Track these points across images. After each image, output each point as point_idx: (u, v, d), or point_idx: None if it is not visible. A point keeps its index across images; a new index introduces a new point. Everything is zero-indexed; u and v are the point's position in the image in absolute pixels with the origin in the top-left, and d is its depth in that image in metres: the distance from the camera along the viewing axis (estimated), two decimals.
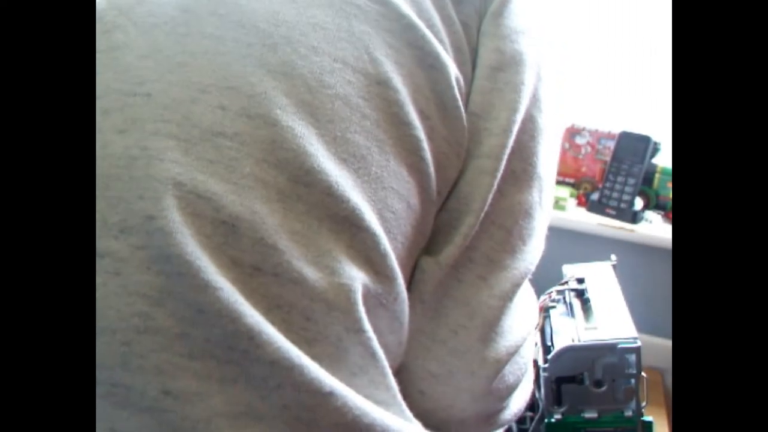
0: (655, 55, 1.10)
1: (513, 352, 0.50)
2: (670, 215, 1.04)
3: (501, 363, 0.49)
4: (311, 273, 0.43)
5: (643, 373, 0.68)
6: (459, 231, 0.49)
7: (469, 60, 0.54)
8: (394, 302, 0.46)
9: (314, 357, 0.41)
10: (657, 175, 1.08)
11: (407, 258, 0.49)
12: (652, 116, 1.07)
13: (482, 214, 0.49)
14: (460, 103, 0.50)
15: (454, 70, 0.51)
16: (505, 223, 0.51)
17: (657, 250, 1.02)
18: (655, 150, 1.07)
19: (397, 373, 0.48)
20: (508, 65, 0.53)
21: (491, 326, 0.49)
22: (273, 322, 0.41)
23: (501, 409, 0.53)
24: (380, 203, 0.46)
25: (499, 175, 0.50)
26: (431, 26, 0.53)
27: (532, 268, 0.53)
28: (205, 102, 0.45)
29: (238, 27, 0.49)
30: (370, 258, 0.45)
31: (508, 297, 0.50)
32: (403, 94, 0.49)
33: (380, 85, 0.49)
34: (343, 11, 0.52)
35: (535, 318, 0.57)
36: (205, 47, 0.48)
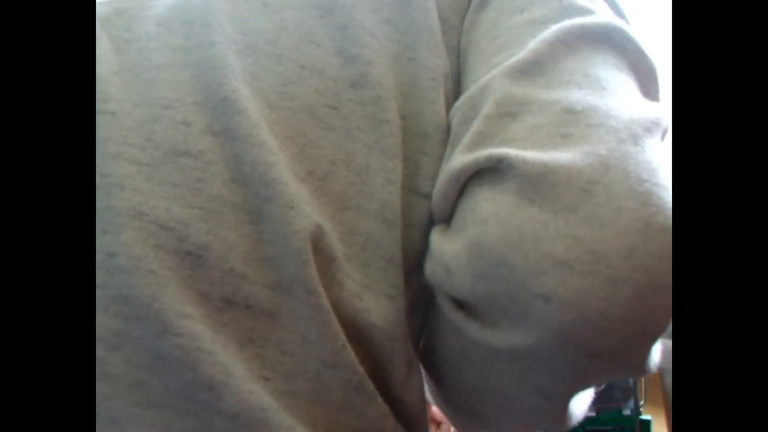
0: (655, 54, 1.09)
1: None
2: None
3: None
4: (285, 303, 0.40)
5: None
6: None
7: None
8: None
9: (292, 394, 0.39)
10: None
11: (396, 272, 0.44)
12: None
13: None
14: (440, 99, 0.47)
15: (437, 63, 0.48)
16: None
17: None
18: None
19: None
20: None
21: None
22: (246, 359, 0.38)
23: None
24: (342, 225, 0.43)
25: None
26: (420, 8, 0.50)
27: None
28: (168, 118, 0.42)
29: (204, 29, 0.46)
30: (332, 284, 0.41)
31: None
32: (382, 86, 0.46)
33: (354, 87, 0.46)
34: (318, 8, 0.49)
35: None
36: (172, 60, 0.45)
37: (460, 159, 0.41)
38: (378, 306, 0.42)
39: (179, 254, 0.39)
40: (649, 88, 0.45)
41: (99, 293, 0.38)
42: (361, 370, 0.41)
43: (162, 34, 0.47)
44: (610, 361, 0.37)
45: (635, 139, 0.38)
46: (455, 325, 0.42)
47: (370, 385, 0.41)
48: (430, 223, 0.45)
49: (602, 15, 0.46)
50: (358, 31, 0.47)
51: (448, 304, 0.42)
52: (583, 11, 0.46)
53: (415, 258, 0.46)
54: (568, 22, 0.44)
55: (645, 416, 0.83)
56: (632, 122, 0.39)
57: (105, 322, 0.38)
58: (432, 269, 0.43)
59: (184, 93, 0.44)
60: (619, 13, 0.51)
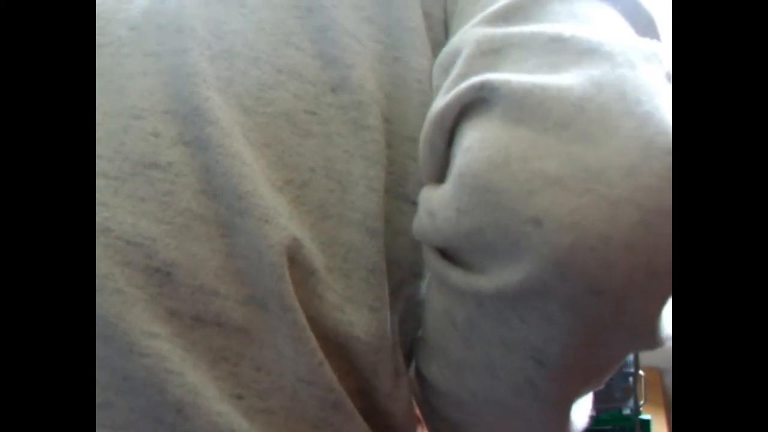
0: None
1: None
2: None
3: None
4: (259, 318, 0.39)
5: (640, 372, 0.68)
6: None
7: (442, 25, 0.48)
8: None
9: (268, 411, 0.38)
10: None
11: (379, 283, 0.42)
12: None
13: None
14: (430, 101, 0.43)
15: (423, 65, 0.45)
16: None
17: None
18: None
19: None
20: None
21: None
22: (218, 378, 0.37)
23: None
24: (322, 235, 0.41)
25: None
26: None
27: None
28: (138, 129, 0.41)
29: (176, 34, 0.44)
30: (312, 298, 0.40)
31: None
32: (363, 90, 0.44)
33: (334, 91, 0.44)
34: (296, 8, 0.47)
35: None
36: (144, 67, 0.44)
37: (440, 100, 0.38)
38: (360, 318, 0.41)
39: (147, 271, 0.38)
40: (646, 36, 0.41)
41: None
42: (339, 387, 0.39)
43: (135, 39, 0.45)
44: (616, 303, 0.32)
45: (632, 64, 0.35)
46: (439, 277, 0.39)
47: (348, 404, 0.40)
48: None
49: None
50: (339, 32, 0.45)
51: (432, 254, 0.39)
52: None
53: (406, 267, 0.44)
54: None
55: (645, 416, 0.83)
56: (628, 48, 0.36)
57: None
58: (417, 220, 0.40)
59: (155, 102, 0.42)
60: None
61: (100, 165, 0.40)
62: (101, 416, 0.36)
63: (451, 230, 0.36)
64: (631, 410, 0.83)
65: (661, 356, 1.02)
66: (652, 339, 0.36)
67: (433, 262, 0.39)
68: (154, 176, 0.40)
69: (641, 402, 0.84)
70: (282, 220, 0.40)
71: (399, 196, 0.44)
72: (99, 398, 0.36)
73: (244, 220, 0.39)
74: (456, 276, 0.37)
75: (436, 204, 0.37)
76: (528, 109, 0.33)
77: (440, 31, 0.48)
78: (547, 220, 0.31)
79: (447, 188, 0.36)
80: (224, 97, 0.42)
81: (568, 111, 0.33)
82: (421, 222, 0.39)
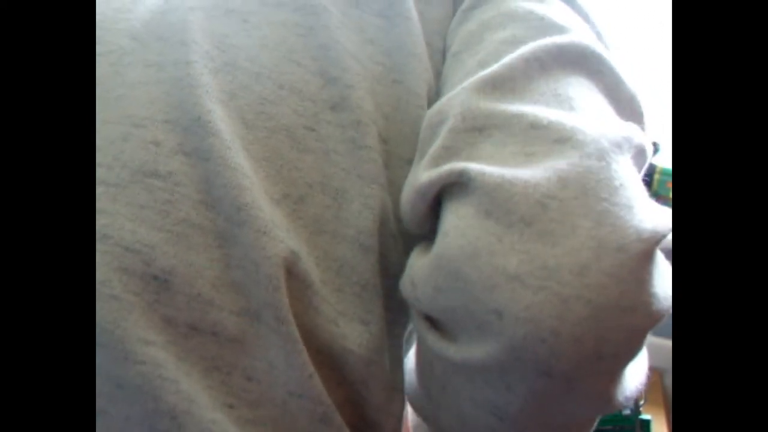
0: (654, 55, 1.09)
1: None
2: None
3: None
4: (253, 329, 0.39)
5: None
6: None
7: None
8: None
9: (257, 422, 0.38)
10: (656, 176, 1.08)
11: (371, 298, 0.43)
12: (651, 116, 1.07)
13: None
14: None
15: (425, 90, 0.47)
16: None
17: None
18: (655, 150, 1.07)
19: None
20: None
21: None
22: (210, 387, 0.38)
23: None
24: (317, 250, 0.42)
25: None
26: (406, 18, 0.49)
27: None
28: (138, 138, 0.41)
29: (179, 46, 0.45)
30: (308, 310, 0.40)
31: None
32: (362, 110, 0.45)
33: (334, 110, 0.45)
34: (299, 26, 0.47)
35: None
36: (145, 77, 0.44)
37: (424, 174, 0.41)
38: (353, 331, 0.42)
39: (145, 278, 0.38)
40: (628, 114, 0.44)
41: None
42: (328, 401, 0.40)
43: (136, 49, 0.45)
44: (565, 382, 0.35)
45: (601, 154, 0.37)
46: (419, 335, 0.42)
47: (337, 418, 0.40)
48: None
49: (582, 36, 0.45)
50: (340, 52, 0.46)
51: (416, 314, 0.42)
52: (563, 31, 0.45)
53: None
54: (547, 40, 0.43)
55: (645, 416, 0.83)
56: (600, 137, 0.38)
57: None
58: (402, 282, 0.42)
59: (156, 111, 0.42)
60: (598, 34, 0.50)
61: (99, 172, 0.40)
62: (95, 424, 0.36)
63: (428, 303, 0.39)
64: (631, 410, 0.83)
65: (661, 356, 1.02)
66: (608, 405, 0.38)
67: (416, 321, 0.42)
68: (153, 185, 0.40)
69: (641, 402, 0.84)
70: (280, 232, 0.40)
71: (398, 217, 0.45)
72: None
73: (243, 231, 0.39)
74: (432, 340, 0.40)
75: (417, 276, 0.40)
76: (497, 202, 0.36)
77: (439, 59, 0.50)
78: (505, 313, 0.34)
79: (426, 264, 0.39)
80: (227, 110, 0.43)
81: (531, 208, 0.36)
82: (405, 287, 0.41)
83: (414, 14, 0.49)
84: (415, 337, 0.49)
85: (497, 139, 0.39)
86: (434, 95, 0.47)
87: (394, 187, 0.45)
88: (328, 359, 0.41)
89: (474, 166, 0.38)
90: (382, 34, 0.49)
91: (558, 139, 0.38)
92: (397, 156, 0.46)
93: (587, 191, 0.36)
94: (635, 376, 0.40)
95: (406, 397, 0.49)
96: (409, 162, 0.45)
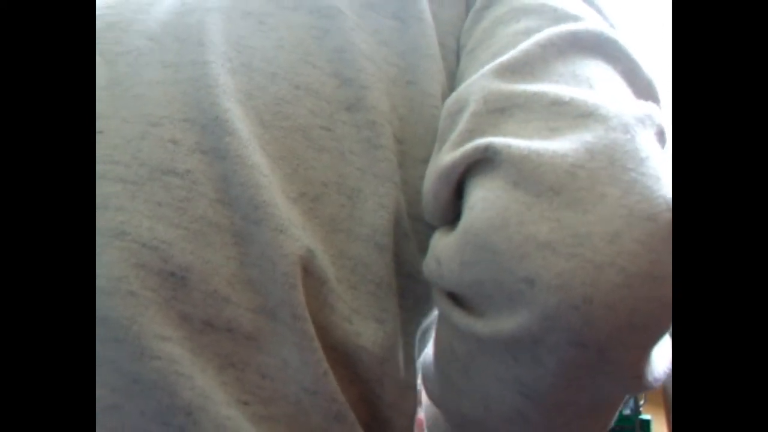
0: (654, 53, 1.09)
1: None
2: None
3: None
4: (268, 327, 0.39)
5: None
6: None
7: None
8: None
9: (271, 419, 0.38)
10: None
11: (385, 296, 0.44)
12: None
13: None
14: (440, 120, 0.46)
15: (438, 91, 0.47)
16: None
17: None
18: None
19: None
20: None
21: None
22: (225, 383, 0.38)
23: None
24: (333, 248, 0.42)
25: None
26: (419, 20, 0.49)
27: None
28: (156, 136, 0.42)
29: (197, 47, 0.45)
30: (323, 308, 0.41)
31: None
32: (377, 111, 0.45)
33: (349, 110, 0.45)
34: (315, 28, 0.48)
35: None
36: (163, 77, 0.44)
37: (447, 156, 0.41)
38: (367, 329, 0.42)
39: (162, 275, 0.38)
40: (646, 99, 0.44)
41: None
42: (342, 398, 0.40)
43: (154, 50, 0.46)
44: (597, 353, 0.35)
45: (625, 128, 0.37)
46: (443, 314, 0.41)
47: (350, 415, 0.40)
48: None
49: (596, 23, 0.46)
50: (355, 54, 0.47)
51: (438, 293, 0.41)
52: (578, 20, 0.45)
53: (427, 282, 0.45)
54: (561, 27, 0.44)
55: (645, 416, 0.83)
56: (623, 112, 0.38)
57: None
58: (425, 263, 0.42)
59: (174, 110, 0.43)
60: (612, 26, 0.50)
61: (117, 170, 0.41)
62: (110, 419, 0.36)
63: (454, 279, 0.39)
64: (631, 410, 0.83)
65: None
66: (638, 383, 0.38)
67: (439, 300, 0.41)
68: (171, 182, 0.40)
69: (641, 402, 0.84)
70: (296, 230, 0.40)
71: (415, 217, 0.46)
72: (107, 401, 0.36)
73: (260, 229, 0.40)
74: (457, 316, 0.39)
75: (443, 253, 0.39)
76: (525, 173, 0.36)
77: (453, 60, 0.50)
78: (537, 281, 0.34)
79: (452, 240, 0.39)
80: (244, 109, 0.43)
81: (560, 177, 0.36)
82: (429, 266, 0.41)
83: (428, 15, 0.50)
84: (430, 335, 0.49)
85: (520, 118, 0.39)
86: (447, 95, 0.47)
87: (408, 186, 0.46)
88: (342, 357, 0.41)
89: (499, 140, 0.38)
90: (397, 35, 0.49)
91: (581, 114, 0.38)
92: (412, 156, 0.46)
93: (614, 161, 0.36)
94: (662, 359, 0.39)
95: (424, 390, 0.49)
96: (424, 161, 0.46)
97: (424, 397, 0.56)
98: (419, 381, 0.51)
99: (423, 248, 0.45)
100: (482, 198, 0.37)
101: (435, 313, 0.48)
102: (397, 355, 0.44)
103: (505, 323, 0.36)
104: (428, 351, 0.50)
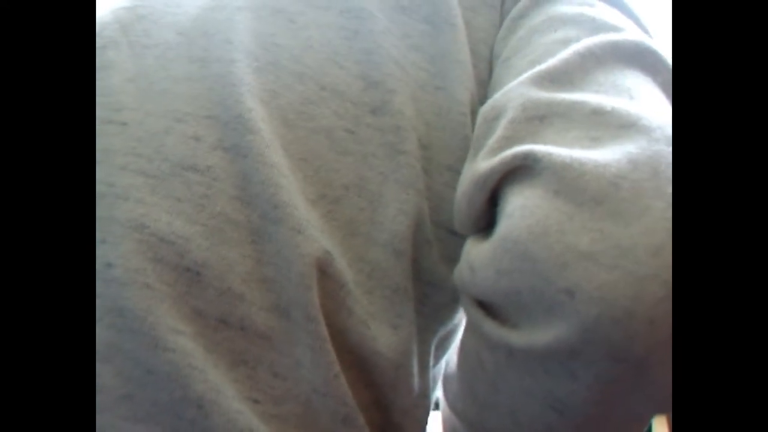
0: None
1: None
2: None
3: None
4: (281, 326, 0.39)
5: None
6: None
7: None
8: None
9: (281, 418, 0.38)
10: None
11: (402, 302, 0.43)
12: None
13: None
14: (471, 133, 0.45)
15: (467, 97, 0.47)
16: None
17: None
18: None
19: None
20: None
21: None
22: (236, 380, 0.38)
23: None
24: (350, 251, 0.42)
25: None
26: (451, 25, 0.49)
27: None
28: (179, 132, 0.42)
29: (224, 44, 0.46)
30: (341, 310, 0.41)
31: None
32: (402, 115, 0.45)
33: (374, 113, 0.45)
34: (345, 29, 0.48)
35: None
36: (189, 72, 0.45)
37: (484, 163, 0.40)
38: (383, 334, 0.42)
39: (178, 269, 0.39)
40: None
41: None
42: (352, 402, 0.40)
43: (181, 44, 0.46)
44: (635, 369, 0.34)
45: (668, 140, 0.36)
46: (473, 324, 0.41)
47: (360, 419, 0.40)
48: (457, 257, 0.43)
49: (635, 34, 0.45)
50: (384, 57, 0.46)
51: (469, 302, 0.40)
52: (617, 30, 0.45)
53: (447, 291, 0.45)
54: (601, 36, 0.43)
55: None
56: (665, 124, 0.37)
57: (98, 332, 0.37)
58: (458, 270, 0.41)
59: (198, 106, 0.43)
60: (649, 35, 0.50)
61: (139, 163, 0.41)
62: (122, 408, 0.37)
63: (489, 288, 0.38)
64: None
65: None
66: (669, 403, 0.37)
67: (470, 310, 0.40)
68: (192, 178, 0.41)
69: None
70: (314, 232, 0.40)
71: (438, 224, 0.45)
72: (121, 390, 0.37)
73: (278, 228, 0.40)
74: (489, 327, 0.38)
75: (477, 261, 0.38)
76: (566, 181, 0.35)
77: (484, 68, 0.49)
78: (578, 292, 0.33)
79: (488, 248, 0.38)
80: (268, 109, 0.43)
81: (603, 187, 0.35)
82: (462, 274, 0.40)
83: (460, 21, 0.49)
84: (448, 343, 0.49)
85: (559, 126, 0.39)
86: (477, 103, 0.47)
87: (432, 192, 0.45)
88: (357, 360, 0.41)
89: (540, 147, 0.37)
90: (428, 40, 0.49)
91: (623, 124, 0.37)
92: (437, 162, 0.46)
93: (658, 173, 0.35)
94: None
95: (446, 404, 0.49)
96: (449, 168, 0.45)
97: (442, 406, 0.55)
98: (438, 392, 0.50)
99: (445, 256, 0.45)
100: (521, 206, 0.36)
101: (454, 322, 0.48)
102: (411, 361, 0.43)
103: (542, 335, 0.35)
104: (450, 363, 0.50)
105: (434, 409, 0.50)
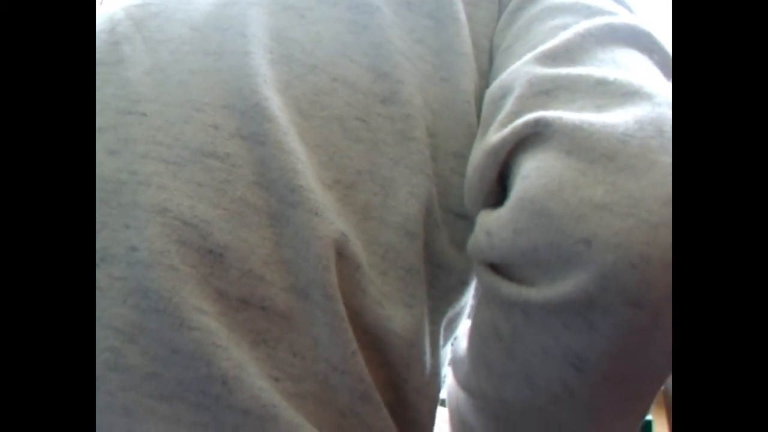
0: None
1: None
2: None
3: None
4: (300, 306, 0.41)
5: None
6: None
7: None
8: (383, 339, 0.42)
9: (300, 396, 0.39)
10: None
11: (415, 282, 0.44)
12: None
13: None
14: (476, 121, 0.47)
15: (471, 87, 0.49)
16: None
17: None
18: None
19: None
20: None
21: None
22: (257, 359, 0.39)
23: None
24: (364, 234, 0.44)
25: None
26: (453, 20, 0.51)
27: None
28: (198, 121, 0.43)
29: (239, 37, 0.48)
30: (356, 291, 0.42)
31: None
32: (411, 105, 0.47)
33: (384, 103, 0.47)
34: (354, 23, 0.50)
35: None
36: (205, 64, 0.47)
37: (496, 134, 0.41)
38: (397, 314, 0.43)
39: (201, 251, 0.40)
40: None
41: (118, 285, 0.39)
42: (369, 379, 0.41)
43: (195, 39, 0.48)
44: (651, 317, 0.35)
45: (669, 105, 0.38)
46: (489, 290, 0.42)
47: (376, 396, 0.41)
48: (464, 241, 0.45)
49: (630, 17, 0.47)
50: (391, 50, 0.48)
51: (484, 269, 0.42)
52: (612, 14, 0.47)
53: (455, 274, 0.46)
54: (598, 19, 0.45)
55: (646, 416, 0.83)
56: (665, 91, 0.39)
57: (123, 313, 0.38)
58: (472, 239, 0.42)
59: (216, 97, 0.45)
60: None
61: (159, 150, 0.42)
62: (148, 387, 0.37)
63: (507, 248, 0.39)
64: None
65: None
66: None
67: (485, 276, 0.41)
68: (212, 164, 0.42)
69: None
70: (331, 214, 0.42)
71: (446, 208, 0.47)
72: (147, 369, 0.38)
73: (296, 211, 0.41)
74: (507, 288, 0.40)
75: (493, 225, 0.40)
76: (578, 141, 0.37)
77: (485, 60, 0.51)
78: (595, 241, 0.35)
79: (504, 211, 0.39)
80: (284, 99, 0.45)
81: (613, 144, 0.36)
82: (478, 240, 0.41)
83: (462, 16, 0.51)
84: (456, 324, 0.50)
85: (566, 98, 0.41)
86: (479, 93, 0.49)
87: (439, 178, 0.47)
88: (372, 340, 0.42)
89: (551, 113, 0.39)
90: (432, 34, 0.51)
91: (626, 92, 0.39)
92: (444, 149, 0.47)
93: (663, 132, 0.37)
94: None
95: (455, 387, 0.50)
96: (455, 154, 0.47)
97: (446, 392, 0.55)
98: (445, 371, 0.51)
99: (453, 240, 0.46)
100: (536, 167, 0.38)
101: (461, 304, 0.49)
102: (423, 340, 0.45)
103: (560, 287, 0.36)
104: (457, 349, 0.51)
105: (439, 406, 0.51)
